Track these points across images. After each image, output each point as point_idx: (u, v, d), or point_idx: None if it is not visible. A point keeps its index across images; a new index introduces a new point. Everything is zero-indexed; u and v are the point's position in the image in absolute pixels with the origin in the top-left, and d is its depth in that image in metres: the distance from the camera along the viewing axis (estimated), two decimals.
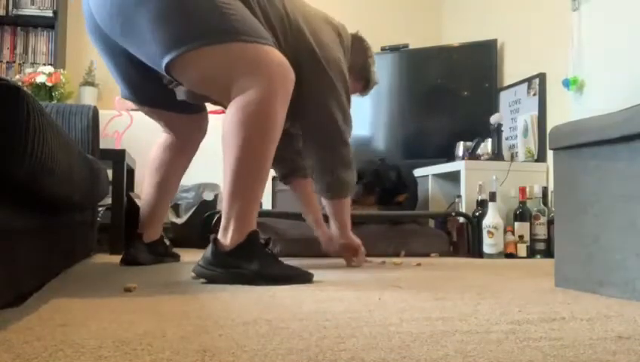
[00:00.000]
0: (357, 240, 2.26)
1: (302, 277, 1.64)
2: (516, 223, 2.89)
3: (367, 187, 3.11)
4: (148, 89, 1.88)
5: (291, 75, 1.64)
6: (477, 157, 3.21)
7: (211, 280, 1.56)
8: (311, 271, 1.83)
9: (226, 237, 1.59)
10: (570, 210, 1.54)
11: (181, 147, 2.24)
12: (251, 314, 1.07)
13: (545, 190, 2.98)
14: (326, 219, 2.29)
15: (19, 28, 3.94)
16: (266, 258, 1.62)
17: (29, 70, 3.62)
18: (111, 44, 1.79)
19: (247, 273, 1.55)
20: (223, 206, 1.64)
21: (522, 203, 2.92)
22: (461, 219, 3.06)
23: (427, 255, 2.86)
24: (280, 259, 1.70)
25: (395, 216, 3.07)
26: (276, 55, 1.63)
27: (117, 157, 2.83)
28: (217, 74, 1.61)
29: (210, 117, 4.00)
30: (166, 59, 1.59)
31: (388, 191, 3.14)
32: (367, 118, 4.20)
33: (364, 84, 2.30)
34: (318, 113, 1.98)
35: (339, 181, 2.07)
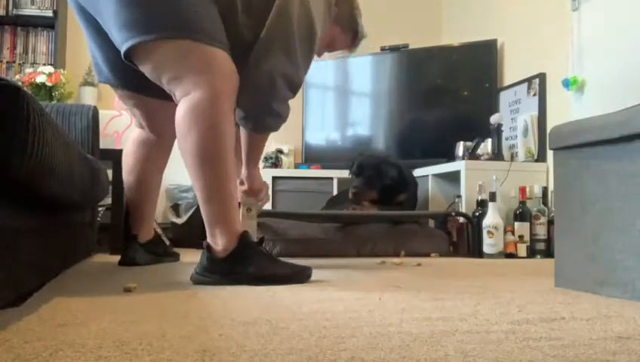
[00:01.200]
0: (262, 180, 2.15)
1: (301, 275, 1.63)
2: (516, 223, 2.89)
3: (367, 181, 3.10)
4: (127, 70, 1.77)
5: (236, 77, 1.66)
6: (477, 157, 3.21)
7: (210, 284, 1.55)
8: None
9: (217, 243, 1.59)
10: (570, 210, 1.54)
11: (158, 140, 2.17)
12: (251, 314, 1.07)
13: (545, 190, 2.98)
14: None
15: (19, 28, 3.93)
16: (262, 259, 1.61)
17: (29, 70, 3.62)
18: (92, 20, 1.76)
19: (244, 277, 1.55)
20: (202, 212, 1.63)
21: (522, 203, 2.92)
22: (461, 219, 3.06)
23: (427, 255, 2.86)
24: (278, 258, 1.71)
25: (395, 216, 3.07)
26: (224, 59, 1.63)
27: (117, 157, 2.82)
28: (168, 67, 1.61)
29: None
30: (124, 47, 1.58)
31: (389, 189, 3.13)
32: (367, 117, 4.20)
33: (353, 36, 2.20)
34: (260, 77, 1.80)
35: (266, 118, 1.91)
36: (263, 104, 1.82)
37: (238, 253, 1.58)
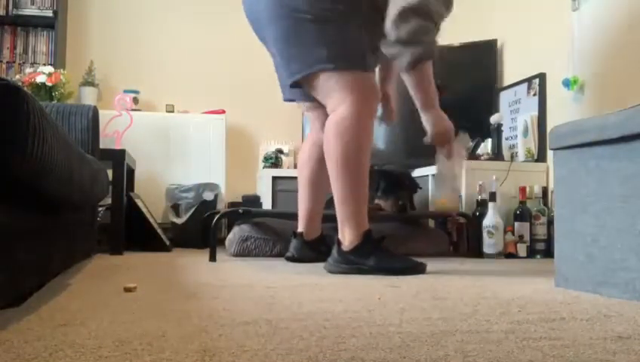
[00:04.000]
0: (448, 122, 2.14)
1: (415, 268, 1.88)
2: (516, 223, 2.88)
3: (392, 195, 3.05)
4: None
5: (376, 95, 1.97)
6: (477, 158, 3.21)
7: (340, 274, 1.87)
8: (311, 271, 1.84)
9: (344, 237, 1.91)
10: (570, 210, 1.54)
11: None
12: (251, 314, 1.07)
13: (545, 190, 2.97)
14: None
15: (19, 28, 3.93)
16: (381, 253, 1.90)
17: (29, 70, 3.61)
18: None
19: (366, 268, 1.85)
20: (336, 210, 1.94)
21: (522, 203, 2.92)
22: (461, 219, 3.05)
23: (427, 255, 2.85)
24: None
25: (395, 215, 3.07)
26: (365, 80, 1.93)
27: (117, 157, 2.83)
28: (322, 90, 1.95)
29: (209, 117, 4.02)
30: (289, 81, 1.97)
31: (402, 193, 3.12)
32: None
33: None
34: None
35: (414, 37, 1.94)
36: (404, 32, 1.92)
37: (361, 247, 1.88)
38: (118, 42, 4.16)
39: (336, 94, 1.91)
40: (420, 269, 1.90)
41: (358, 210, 1.92)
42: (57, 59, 3.86)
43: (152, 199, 3.51)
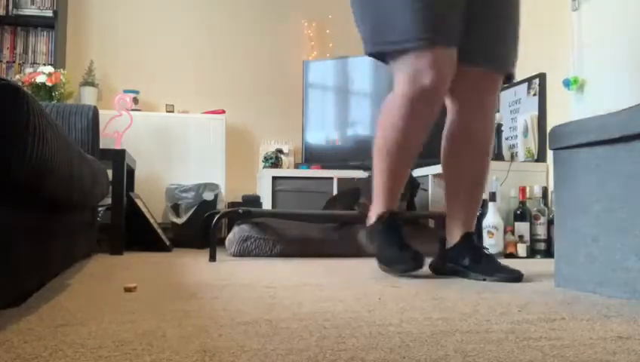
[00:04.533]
0: None
1: (410, 264, 1.84)
2: (516, 223, 2.89)
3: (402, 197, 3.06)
4: None
5: (431, 75, 1.72)
6: None
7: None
8: (311, 271, 1.84)
9: (370, 216, 1.95)
10: (570, 210, 1.54)
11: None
12: (251, 314, 1.07)
13: (545, 190, 2.98)
14: None
15: (19, 28, 3.93)
16: (382, 241, 1.89)
17: (29, 70, 3.62)
18: None
19: (368, 250, 1.91)
20: None
21: (522, 203, 2.92)
22: None
23: (427, 255, 2.85)
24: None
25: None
26: (421, 58, 1.71)
27: (117, 157, 2.83)
28: (391, 67, 1.84)
29: (209, 117, 4.02)
30: (366, 51, 1.89)
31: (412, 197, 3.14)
32: (367, 118, 4.20)
33: None
34: None
35: None
36: None
37: (373, 229, 1.91)
38: (118, 42, 4.16)
39: (396, 74, 1.81)
40: (417, 261, 1.83)
41: (383, 189, 1.91)
42: (57, 59, 3.86)
43: (152, 199, 3.51)
